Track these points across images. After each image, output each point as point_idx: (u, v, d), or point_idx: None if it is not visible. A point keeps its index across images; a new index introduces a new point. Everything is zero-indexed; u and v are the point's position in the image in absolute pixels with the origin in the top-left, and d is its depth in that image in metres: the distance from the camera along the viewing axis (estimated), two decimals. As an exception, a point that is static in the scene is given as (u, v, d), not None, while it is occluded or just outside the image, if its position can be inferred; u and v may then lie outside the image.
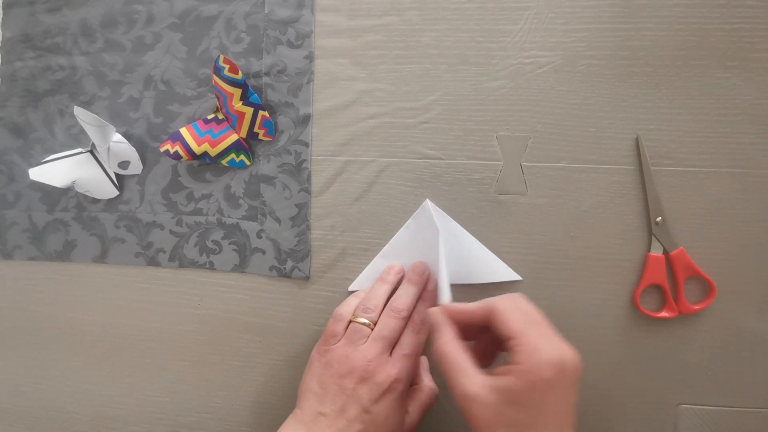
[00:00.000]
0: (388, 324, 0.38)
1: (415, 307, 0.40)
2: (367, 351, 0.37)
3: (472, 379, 0.31)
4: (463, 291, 0.42)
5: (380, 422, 0.36)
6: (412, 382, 0.40)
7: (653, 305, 0.42)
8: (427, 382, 0.41)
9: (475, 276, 0.42)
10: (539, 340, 0.30)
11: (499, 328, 0.31)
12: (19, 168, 0.46)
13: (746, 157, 0.41)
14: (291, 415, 0.38)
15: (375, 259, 0.43)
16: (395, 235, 0.43)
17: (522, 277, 0.42)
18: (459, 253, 0.42)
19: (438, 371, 0.42)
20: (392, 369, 0.37)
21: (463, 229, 0.42)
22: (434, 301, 0.40)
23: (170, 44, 0.44)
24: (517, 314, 0.31)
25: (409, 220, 0.43)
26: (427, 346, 0.41)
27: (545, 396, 0.29)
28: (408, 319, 0.39)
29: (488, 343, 0.36)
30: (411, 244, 0.42)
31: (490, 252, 0.42)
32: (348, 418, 0.36)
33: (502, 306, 0.32)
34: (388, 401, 0.37)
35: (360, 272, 0.43)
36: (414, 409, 0.39)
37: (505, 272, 0.42)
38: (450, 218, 0.42)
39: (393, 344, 0.38)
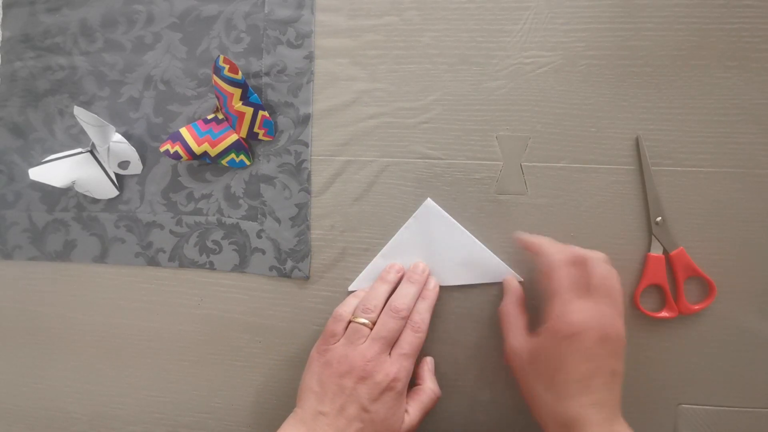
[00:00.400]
0: (387, 324, 0.38)
1: (414, 306, 0.40)
2: (366, 351, 0.37)
3: (516, 337, 0.38)
4: (463, 291, 0.43)
5: (379, 421, 0.36)
6: (414, 382, 0.41)
7: (653, 305, 0.42)
8: (429, 383, 0.41)
9: (475, 276, 0.42)
10: (571, 303, 0.35)
11: (544, 283, 0.37)
12: (19, 168, 0.46)
13: (746, 157, 0.41)
14: (291, 414, 0.38)
15: (375, 259, 0.43)
16: (395, 235, 0.43)
17: (522, 277, 0.42)
18: (459, 253, 0.42)
19: (439, 372, 0.42)
20: (391, 368, 0.37)
21: (463, 229, 0.42)
22: (434, 300, 0.41)
23: (170, 44, 0.44)
24: (562, 274, 0.36)
25: (410, 219, 0.43)
26: (427, 350, 0.41)
27: (564, 352, 0.34)
28: (407, 318, 0.39)
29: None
30: (412, 243, 0.42)
31: (490, 252, 0.42)
32: (347, 417, 0.36)
33: (557, 262, 0.37)
34: (387, 400, 0.37)
35: (360, 272, 0.43)
36: (414, 409, 0.39)
37: (505, 273, 0.42)
38: (451, 218, 0.42)
39: (392, 344, 0.38)
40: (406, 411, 0.38)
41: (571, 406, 0.34)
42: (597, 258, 0.37)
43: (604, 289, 0.35)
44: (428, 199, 0.42)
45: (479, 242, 0.42)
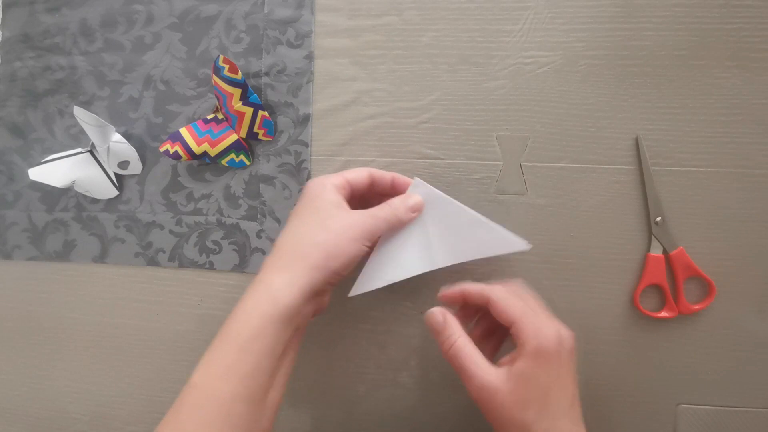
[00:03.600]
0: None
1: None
2: None
3: (488, 372, 0.33)
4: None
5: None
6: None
7: (653, 305, 0.42)
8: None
9: (478, 250, 0.38)
10: (538, 321, 0.33)
11: (499, 316, 0.34)
12: (19, 168, 0.46)
13: (746, 157, 0.41)
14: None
15: (371, 257, 0.40)
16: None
17: (522, 277, 0.42)
18: (457, 228, 0.39)
19: (439, 372, 0.42)
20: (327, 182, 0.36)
21: (458, 203, 0.38)
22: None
23: (170, 44, 0.44)
24: (513, 301, 0.34)
25: None
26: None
27: (553, 370, 0.32)
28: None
29: (489, 325, 0.36)
30: (407, 229, 0.39)
31: (492, 222, 0.38)
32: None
33: (496, 296, 0.34)
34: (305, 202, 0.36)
35: (359, 273, 0.43)
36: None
37: (511, 241, 0.38)
38: (443, 194, 0.39)
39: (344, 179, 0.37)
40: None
41: (565, 424, 0.32)
42: (514, 283, 0.36)
43: (532, 310, 0.34)
44: (415, 177, 0.39)
45: (478, 214, 0.38)
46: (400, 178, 0.38)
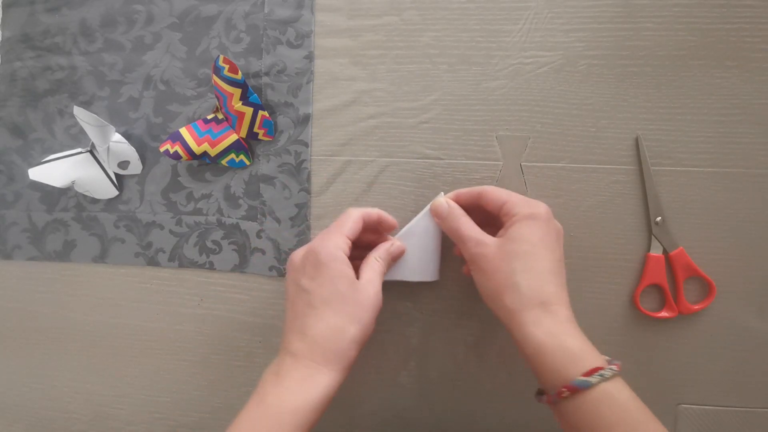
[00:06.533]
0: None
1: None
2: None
3: (483, 235, 0.37)
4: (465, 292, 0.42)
5: (319, 301, 0.35)
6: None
7: (653, 305, 0.42)
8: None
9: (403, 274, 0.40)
10: (527, 199, 0.37)
11: (490, 204, 0.38)
12: (19, 168, 0.46)
13: (746, 157, 0.41)
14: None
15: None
16: (409, 223, 0.41)
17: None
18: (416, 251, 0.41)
19: (439, 369, 0.42)
20: (336, 251, 0.36)
21: (435, 228, 0.40)
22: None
23: (170, 44, 0.44)
24: (501, 189, 0.38)
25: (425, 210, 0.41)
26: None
27: (542, 231, 0.35)
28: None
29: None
30: (422, 233, 0.40)
31: (436, 255, 0.41)
32: (292, 301, 0.37)
33: (487, 187, 0.38)
34: (324, 276, 0.36)
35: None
36: (369, 274, 0.37)
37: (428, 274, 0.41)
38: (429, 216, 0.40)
39: (342, 230, 0.37)
40: (360, 277, 0.37)
41: (549, 286, 0.35)
42: (483, 189, 0.39)
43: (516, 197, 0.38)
44: (441, 193, 0.40)
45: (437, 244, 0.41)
46: (384, 214, 0.40)
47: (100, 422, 0.47)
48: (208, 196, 0.44)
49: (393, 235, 0.41)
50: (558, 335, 0.33)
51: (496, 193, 0.38)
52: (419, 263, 0.40)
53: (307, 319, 0.35)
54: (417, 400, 0.44)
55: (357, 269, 0.37)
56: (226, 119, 0.43)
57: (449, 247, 0.41)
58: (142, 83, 0.45)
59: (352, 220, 0.37)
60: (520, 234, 0.35)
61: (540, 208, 0.36)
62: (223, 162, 0.43)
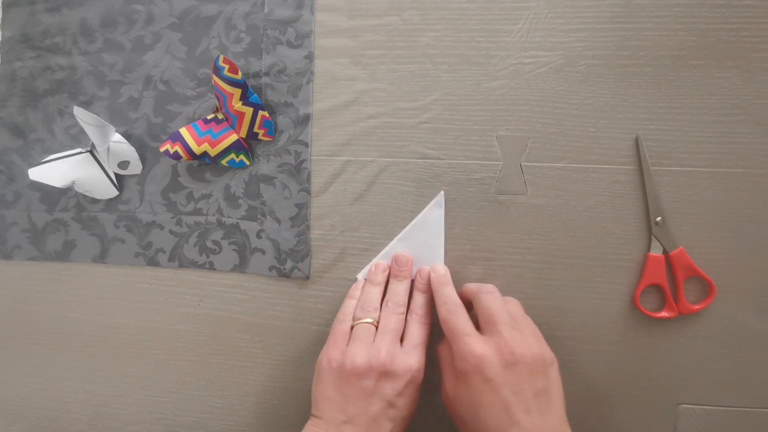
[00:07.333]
0: (390, 319, 0.39)
1: (414, 298, 0.41)
2: (380, 346, 0.37)
3: (447, 379, 0.37)
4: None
5: (406, 415, 0.36)
6: None
7: (653, 305, 0.42)
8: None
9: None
10: (468, 338, 0.35)
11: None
12: (19, 168, 0.46)
13: (746, 157, 0.41)
14: (309, 424, 0.37)
15: (392, 243, 0.43)
16: (412, 222, 0.43)
17: (523, 277, 0.42)
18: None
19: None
20: (409, 360, 0.37)
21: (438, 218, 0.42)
22: (427, 288, 0.41)
23: (170, 44, 0.44)
24: (464, 319, 0.37)
25: (428, 207, 0.43)
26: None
27: (475, 390, 0.34)
28: (406, 312, 0.40)
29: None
30: (426, 231, 0.43)
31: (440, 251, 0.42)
32: (373, 418, 0.35)
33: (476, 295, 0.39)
34: (411, 393, 0.37)
35: (360, 270, 0.43)
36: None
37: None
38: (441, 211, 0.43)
39: (399, 337, 0.38)
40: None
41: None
42: (483, 291, 0.38)
43: (491, 319, 0.36)
44: (441, 192, 0.42)
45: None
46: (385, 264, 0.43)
47: (100, 422, 0.47)
48: (208, 196, 0.44)
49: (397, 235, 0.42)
50: None
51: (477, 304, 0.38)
52: (427, 254, 0.42)
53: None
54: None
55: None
56: (226, 119, 0.43)
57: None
58: (142, 83, 0.45)
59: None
60: (461, 391, 0.35)
61: (471, 354, 0.35)
62: (223, 162, 0.43)
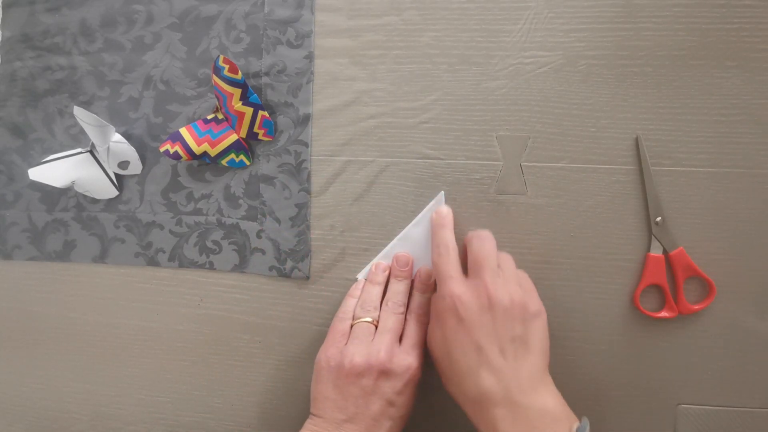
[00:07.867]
0: (390, 318, 0.39)
1: (413, 299, 0.41)
2: (379, 345, 0.37)
3: (459, 281, 0.37)
4: None
5: (404, 413, 0.37)
6: None
7: (653, 305, 0.42)
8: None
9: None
10: (451, 280, 0.37)
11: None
12: (19, 168, 0.46)
13: (746, 157, 0.41)
14: (309, 423, 0.37)
15: (389, 247, 0.43)
16: (411, 222, 0.43)
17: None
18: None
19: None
20: (407, 359, 0.37)
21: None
22: (427, 288, 0.41)
23: (170, 44, 0.44)
24: (452, 264, 0.38)
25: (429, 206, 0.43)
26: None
27: (448, 331, 0.36)
28: (406, 312, 0.40)
29: None
30: (418, 232, 0.43)
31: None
32: (374, 417, 0.36)
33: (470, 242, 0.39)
34: (410, 391, 0.37)
35: (361, 270, 0.43)
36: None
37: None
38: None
39: (399, 336, 0.39)
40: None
41: (470, 384, 0.34)
42: (476, 235, 0.39)
43: (477, 263, 0.37)
44: (441, 192, 0.42)
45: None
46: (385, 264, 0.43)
47: (100, 422, 0.47)
48: (208, 196, 0.44)
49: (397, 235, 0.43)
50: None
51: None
52: (426, 255, 0.42)
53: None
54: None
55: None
56: (226, 119, 0.43)
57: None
58: (142, 83, 0.45)
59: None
60: (437, 332, 0.37)
61: (446, 295, 0.36)
62: (223, 162, 0.43)
